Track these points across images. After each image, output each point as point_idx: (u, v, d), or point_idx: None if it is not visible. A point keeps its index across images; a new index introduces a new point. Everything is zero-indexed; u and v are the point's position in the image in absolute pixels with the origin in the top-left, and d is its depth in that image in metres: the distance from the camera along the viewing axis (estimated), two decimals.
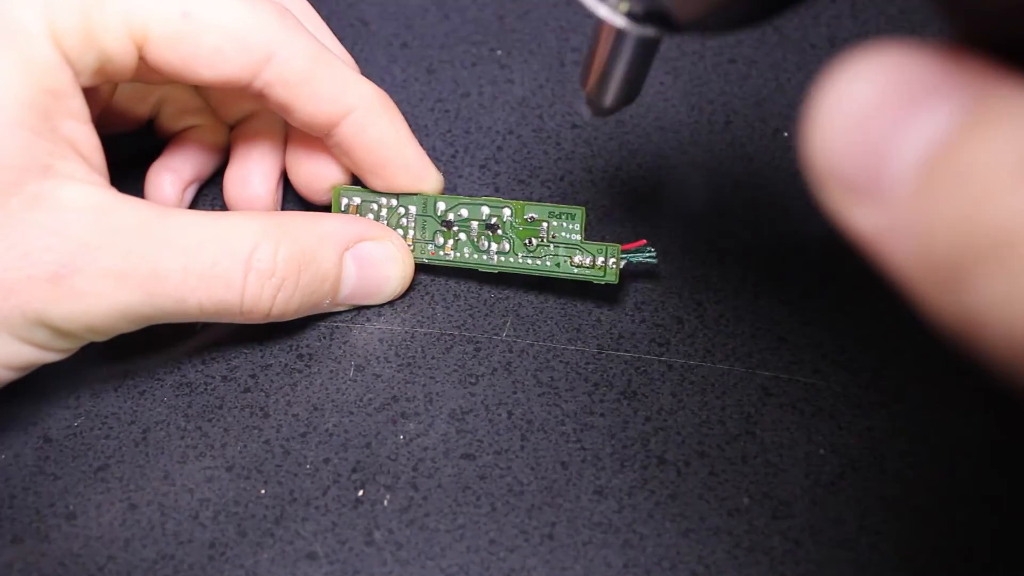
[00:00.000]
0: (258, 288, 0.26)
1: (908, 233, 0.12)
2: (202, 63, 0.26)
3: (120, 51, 0.25)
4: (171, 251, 0.25)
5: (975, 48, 0.13)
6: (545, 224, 0.29)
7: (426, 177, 0.30)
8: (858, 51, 0.13)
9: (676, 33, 0.20)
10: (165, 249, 0.25)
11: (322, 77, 0.27)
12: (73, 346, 0.25)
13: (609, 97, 0.24)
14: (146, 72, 0.26)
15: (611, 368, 0.28)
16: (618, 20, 0.20)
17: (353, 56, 0.35)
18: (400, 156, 0.29)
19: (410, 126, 0.30)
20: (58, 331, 0.24)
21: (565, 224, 0.29)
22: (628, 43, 0.22)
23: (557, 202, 0.32)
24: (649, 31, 0.20)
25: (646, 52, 0.23)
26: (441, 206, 0.30)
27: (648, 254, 0.29)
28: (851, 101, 0.13)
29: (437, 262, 0.30)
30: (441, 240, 0.30)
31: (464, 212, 0.30)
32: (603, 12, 0.20)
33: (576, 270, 0.29)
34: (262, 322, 0.27)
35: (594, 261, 0.29)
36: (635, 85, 0.24)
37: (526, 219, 0.29)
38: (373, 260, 0.29)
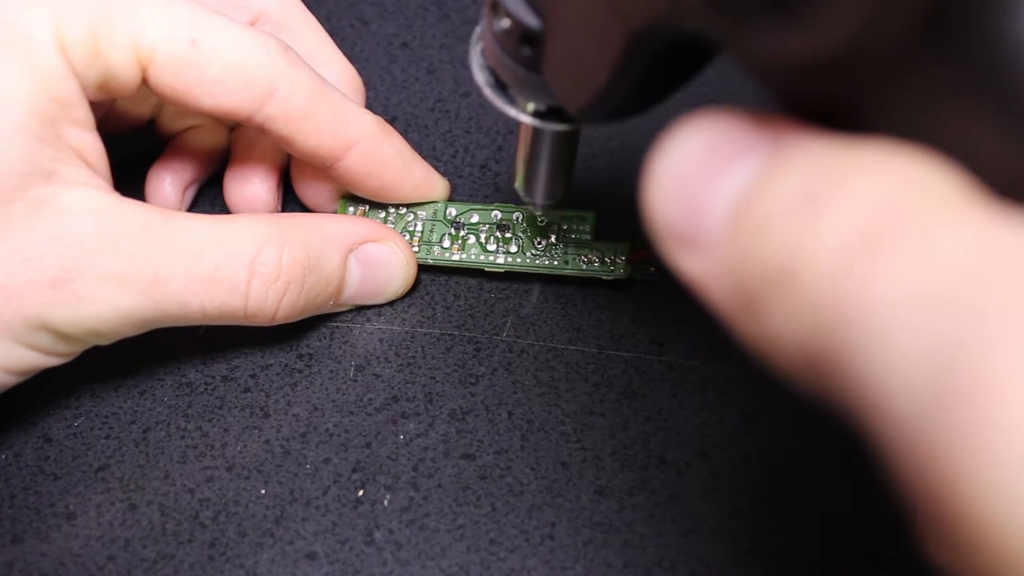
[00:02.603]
0: (262, 292, 0.26)
1: (720, 273, 0.14)
2: (204, 92, 0.26)
3: (124, 69, 0.25)
4: (173, 255, 0.25)
5: (789, 109, 0.15)
6: (556, 226, 0.29)
7: (433, 189, 0.30)
8: (683, 120, 0.15)
9: (578, 124, 0.23)
10: (167, 253, 0.25)
11: (323, 112, 0.28)
12: (75, 350, 0.25)
13: (539, 192, 0.26)
14: (146, 95, 0.27)
15: (611, 368, 0.28)
16: (526, 119, 0.22)
17: (353, 56, 0.35)
18: (406, 178, 0.30)
19: (410, 126, 0.30)
20: (60, 335, 0.24)
21: (576, 227, 0.29)
22: (542, 138, 0.25)
23: (560, 202, 0.32)
24: (555, 126, 0.22)
25: (562, 145, 0.25)
26: (452, 212, 0.30)
27: (648, 273, 0.29)
28: (674, 164, 0.15)
29: (443, 263, 0.30)
30: (448, 243, 0.30)
31: (475, 217, 0.30)
32: (512, 113, 0.22)
33: (585, 267, 0.29)
34: (267, 325, 0.27)
35: (603, 258, 0.29)
36: (561, 178, 0.26)
37: (537, 222, 0.29)
38: (377, 261, 0.29)
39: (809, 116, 0.14)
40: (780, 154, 0.14)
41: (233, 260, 0.26)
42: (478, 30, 0.22)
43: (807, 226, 0.13)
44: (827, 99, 0.14)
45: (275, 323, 0.27)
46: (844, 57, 0.13)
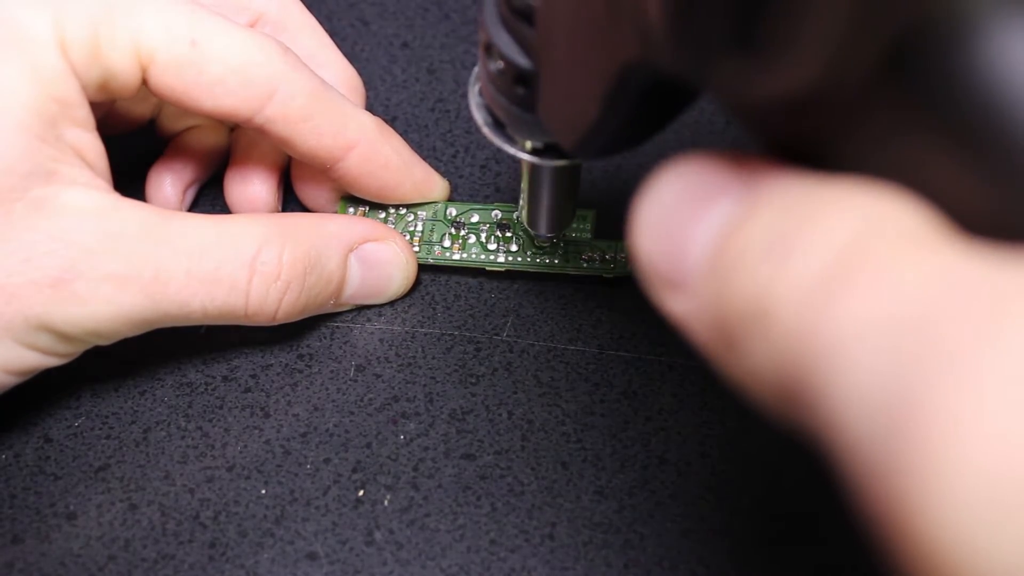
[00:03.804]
0: (263, 291, 0.26)
1: (701, 313, 0.15)
2: (204, 93, 0.26)
3: (125, 70, 0.25)
4: (174, 255, 0.25)
5: (766, 147, 0.15)
6: None
7: (433, 189, 0.30)
8: (665, 165, 0.15)
9: (575, 159, 0.24)
10: (168, 253, 0.25)
11: (323, 113, 0.28)
12: (76, 350, 0.25)
13: (543, 225, 0.27)
14: (146, 95, 0.27)
15: (612, 368, 0.28)
16: (525, 156, 0.23)
17: (353, 56, 0.35)
18: (406, 178, 0.30)
19: (410, 126, 0.30)
20: (61, 336, 0.24)
21: (576, 225, 0.30)
22: (542, 173, 0.25)
23: None
24: (553, 162, 0.23)
25: (562, 179, 0.26)
26: (452, 212, 0.30)
27: None
28: (655, 208, 0.15)
29: (444, 262, 0.30)
30: (448, 242, 0.30)
31: (475, 217, 0.30)
32: (511, 151, 0.23)
33: (586, 265, 0.29)
34: (267, 324, 0.27)
35: (603, 256, 0.29)
36: (565, 209, 0.27)
37: (539, 242, 0.30)
38: (377, 261, 0.29)
39: (784, 154, 0.15)
40: (754, 195, 0.14)
41: (234, 260, 0.26)
42: (475, 71, 0.23)
43: (777, 266, 0.13)
44: (800, 136, 0.14)
45: (276, 323, 0.27)
46: (811, 96, 0.13)
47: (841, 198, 0.13)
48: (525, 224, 0.28)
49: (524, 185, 0.26)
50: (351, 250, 0.28)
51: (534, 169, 0.25)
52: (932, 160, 0.13)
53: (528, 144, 0.23)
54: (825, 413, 0.12)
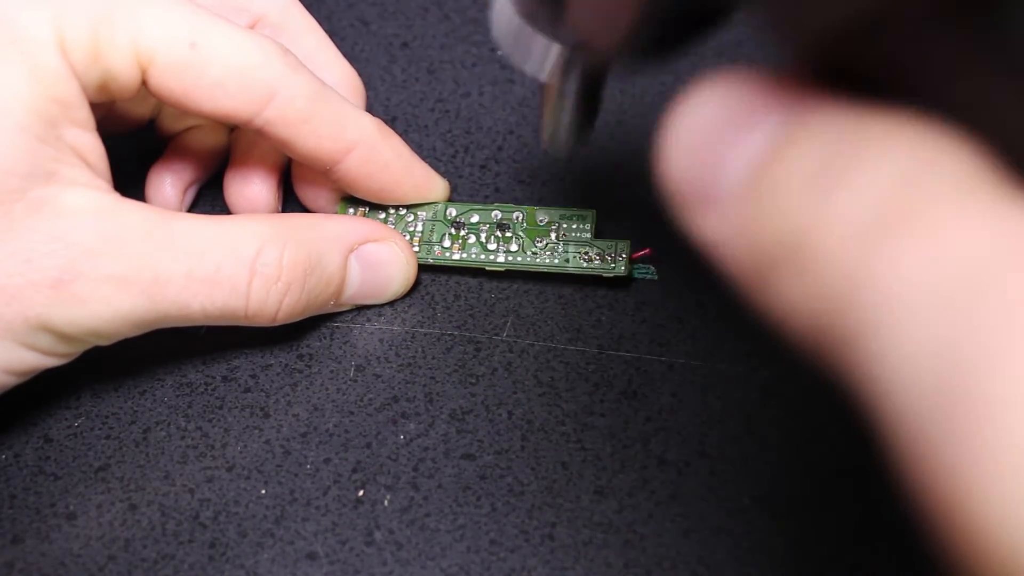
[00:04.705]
0: (263, 293, 0.26)
1: (736, 238, 0.14)
2: (204, 95, 0.26)
3: (124, 71, 0.25)
4: (174, 256, 0.25)
5: (804, 73, 0.14)
6: (556, 225, 0.30)
7: (433, 190, 0.30)
8: (698, 81, 0.15)
9: (603, 61, 0.22)
10: (168, 254, 0.25)
11: (323, 115, 0.28)
12: (76, 350, 0.25)
13: (562, 139, 0.25)
14: (146, 96, 0.27)
15: (611, 368, 0.28)
16: (555, 52, 0.21)
17: (353, 56, 0.35)
18: (405, 179, 0.30)
19: (410, 126, 0.30)
20: (61, 336, 0.24)
21: (576, 225, 0.30)
22: (569, 80, 0.23)
23: (560, 202, 0.32)
24: (581, 61, 0.22)
25: (589, 88, 0.24)
26: (452, 212, 0.30)
27: (647, 271, 0.30)
28: (691, 125, 0.14)
29: (443, 262, 0.30)
30: (448, 243, 0.30)
31: (475, 217, 0.30)
32: (540, 50, 0.21)
33: (585, 264, 0.29)
34: (268, 325, 0.27)
35: (603, 255, 0.29)
36: (588, 122, 0.25)
37: (537, 221, 0.30)
38: (377, 261, 0.29)
39: (832, 80, 0.14)
40: (798, 122, 0.13)
41: (234, 261, 0.26)
42: None
43: (823, 199, 0.12)
44: (853, 65, 0.13)
45: (276, 324, 0.27)
46: (877, 21, 0.12)
47: (894, 136, 0.12)
48: (548, 145, 0.26)
49: (548, 100, 0.24)
50: (351, 251, 0.28)
51: (563, 74, 0.23)
52: (999, 100, 0.12)
53: (556, 48, 0.21)
54: (866, 367, 0.12)
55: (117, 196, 0.25)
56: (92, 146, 0.25)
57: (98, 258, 0.24)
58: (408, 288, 0.30)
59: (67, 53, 0.24)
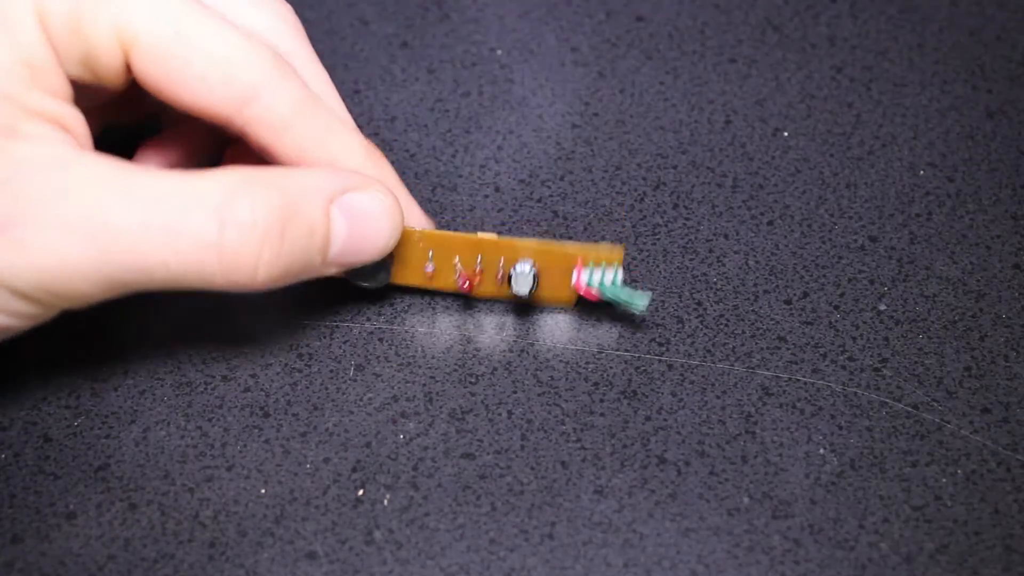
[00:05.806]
0: (237, 243, 0.24)
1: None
2: (184, 87, 0.25)
3: (105, 49, 0.25)
4: (128, 203, 0.23)
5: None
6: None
7: (417, 225, 0.29)
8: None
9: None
10: (120, 201, 0.23)
11: (307, 126, 0.27)
12: (37, 312, 0.24)
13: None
14: (134, 86, 0.26)
15: (611, 368, 0.28)
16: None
17: (353, 56, 0.35)
18: None
19: (410, 126, 0.30)
20: (14, 292, 0.23)
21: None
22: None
23: (559, 202, 0.32)
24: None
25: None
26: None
27: (636, 305, 0.28)
28: None
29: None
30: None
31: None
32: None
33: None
34: (251, 289, 0.25)
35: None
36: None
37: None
38: (362, 212, 0.26)
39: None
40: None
41: (197, 208, 0.23)
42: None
43: None
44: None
45: (259, 285, 0.25)
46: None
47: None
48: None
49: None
50: (331, 201, 0.26)
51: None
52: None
53: None
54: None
55: (78, 150, 0.24)
56: (68, 114, 0.25)
57: (44, 206, 0.23)
58: (397, 240, 0.27)
59: (45, 22, 0.24)
